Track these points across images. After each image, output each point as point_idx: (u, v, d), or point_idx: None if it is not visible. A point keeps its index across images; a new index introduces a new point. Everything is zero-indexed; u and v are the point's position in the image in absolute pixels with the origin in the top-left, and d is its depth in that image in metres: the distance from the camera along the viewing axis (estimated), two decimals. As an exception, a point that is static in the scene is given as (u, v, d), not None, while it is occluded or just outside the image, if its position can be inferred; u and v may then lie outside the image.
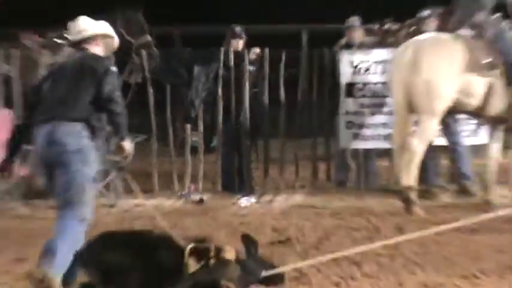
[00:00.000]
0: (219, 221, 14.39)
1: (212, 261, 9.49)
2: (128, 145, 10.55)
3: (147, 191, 17.47)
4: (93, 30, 11.41)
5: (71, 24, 11.45)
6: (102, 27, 11.57)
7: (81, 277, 9.64)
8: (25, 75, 18.07)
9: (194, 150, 18.64)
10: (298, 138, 19.29)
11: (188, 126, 18.53)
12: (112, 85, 10.53)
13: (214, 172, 18.42)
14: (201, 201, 16.57)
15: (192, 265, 9.32)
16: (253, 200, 17.00)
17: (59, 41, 17.71)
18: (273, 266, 9.81)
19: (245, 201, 16.80)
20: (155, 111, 18.77)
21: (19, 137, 11.81)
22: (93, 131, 10.25)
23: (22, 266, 11.21)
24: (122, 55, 16.45)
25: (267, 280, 9.57)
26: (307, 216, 14.70)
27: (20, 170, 16.17)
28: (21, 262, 11.60)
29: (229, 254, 9.53)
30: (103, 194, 16.97)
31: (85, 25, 11.42)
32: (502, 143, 16.15)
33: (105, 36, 11.47)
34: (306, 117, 18.95)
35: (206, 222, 14.31)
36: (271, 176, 18.87)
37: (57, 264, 9.80)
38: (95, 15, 15.07)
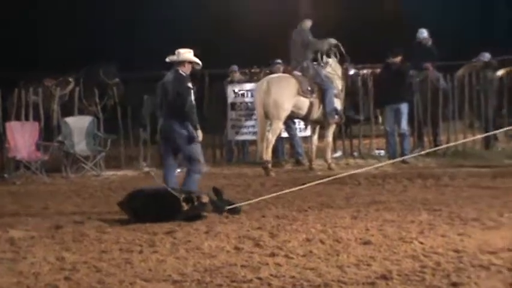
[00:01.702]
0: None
1: (196, 203, 11.83)
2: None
3: (117, 166, 19.74)
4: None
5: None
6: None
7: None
8: (46, 102, 19.57)
9: (145, 142, 20.28)
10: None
11: (141, 128, 20.23)
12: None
13: (157, 155, 19.04)
14: (150, 171, 17.87)
15: (185, 206, 11.70)
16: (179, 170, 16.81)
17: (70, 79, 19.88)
18: (231, 203, 12.28)
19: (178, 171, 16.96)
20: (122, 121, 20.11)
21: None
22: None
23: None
24: (102, 90, 19.90)
25: (230, 211, 12.09)
26: (212, 178, 15.97)
27: (44, 155, 18.47)
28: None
29: (205, 199, 12.05)
30: (92, 168, 18.81)
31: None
32: (318, 134, 18.63)
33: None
34: (209, 121, 19.77)
35: (154, 183, 14.80)
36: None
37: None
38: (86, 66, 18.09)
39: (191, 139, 13.26)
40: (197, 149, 13.39)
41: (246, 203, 12.43)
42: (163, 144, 13.80)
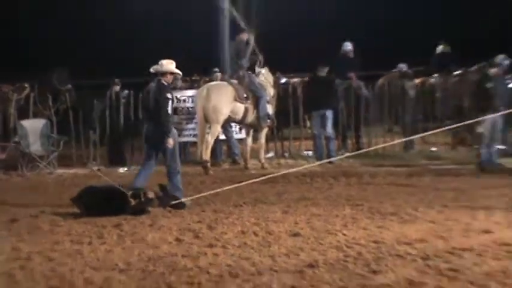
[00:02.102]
0: (111, 179, 14.17)
1: (142, 199, 11.82)
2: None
3: (69, 165, 19.54)
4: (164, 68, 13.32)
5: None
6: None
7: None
8: (3, 106, 19.71)
9: (94, 143, 20.30)
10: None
11: (91, 131, 20.17)
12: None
13: (105, 155, 20.12)
14: (98, 170, 17.65)
15: (132, 201, 11.71)
16: (126, 169, 18.89)
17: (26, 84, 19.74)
18: (177, 198, 12.29)
19: (121, 170, 18.74)
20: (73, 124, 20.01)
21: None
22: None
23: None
24: (55, 95, 19.74)
25: (174, 206, 12.12)
26: (157, 176, 14.44)
27: (1, 155, 18.64)
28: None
29: (151, 194, 12.05)
30: (46, 166, 18.69)
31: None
32: (252, 136, 18.57)
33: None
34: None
35: (103, 180, 14.31)
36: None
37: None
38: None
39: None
40: (174, 152, 13.30)
41: (188, 198, 12.39)
42: (145, 146, 13.72)
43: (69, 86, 20.38)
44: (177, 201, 12.25)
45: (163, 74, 13.46)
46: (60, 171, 18.74)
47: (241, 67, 18.36)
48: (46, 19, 29.71)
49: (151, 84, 13.61)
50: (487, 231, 9.44)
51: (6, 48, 27.56)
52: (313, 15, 28.26)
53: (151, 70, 13.55)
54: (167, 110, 13.21)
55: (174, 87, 19.81)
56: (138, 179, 13.46)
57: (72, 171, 18.78)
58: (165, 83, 13.44)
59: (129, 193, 11.90)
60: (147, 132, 13.56)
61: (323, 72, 19.52)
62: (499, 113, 15.63)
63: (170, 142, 13.08)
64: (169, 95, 13.34)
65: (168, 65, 13.48)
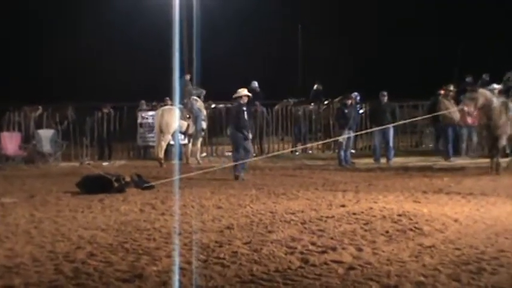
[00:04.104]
0: (97, 170, 14.20)
1: (122, 182, 11.57)
2: None
3: (69, 160, 18.85)
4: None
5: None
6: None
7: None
8: (25, 121, 19.14)
9: (86, 146, 19.84)
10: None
11: (84, 138, 19.73)
12: None
13: (94, 153, 19.68)
14: (88, 164, 17.70)
15: (115, 184, 11.38)
16: (107, 163, 18.10)
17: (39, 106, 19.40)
18: (148, 182, 12.10)
19: (105, 163, 17.89)
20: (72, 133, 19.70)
21: None
22: None
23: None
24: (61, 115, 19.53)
25: (146, 187, 11.80)
26: (130, 167, 15.91)
27: (23, 153, 18.37)
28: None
29: (128, 179, 11.85)
30: (54, 161, 18.41)
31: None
32: (191, 142, 18.09)
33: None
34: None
35: (93, 171, 14.05)
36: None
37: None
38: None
39: (246, 138, 13.83)
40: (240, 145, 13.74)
41: (154, 183, 12.11)
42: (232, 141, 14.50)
43: (70, 108, 20.05)
44: (148, 185, 11.95)
45: (240, 97, 13.94)
46: (63, 164, 18.25)
47: (186, 97, 18.07)
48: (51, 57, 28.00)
49: (235, 104, 14.55)
50: (343, 205, 9.50)
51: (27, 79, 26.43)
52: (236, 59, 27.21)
53: (234, 96, 14.23)
54: (244, 119, 13.74)
55: (140, 109, 19.96)
56: (237, 166, 13.75)
57: (71, 164, 18.29)
58: (242, 102, 13.93)
59: (113, 178, 11.61)
60: (231, 134, 14.30)
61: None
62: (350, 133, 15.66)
63: (249, 136, 13.89)
64: (244, 109, 13.89)
65: (242, 91, 14.02)
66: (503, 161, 13.91)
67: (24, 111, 19.62)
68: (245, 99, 14.09)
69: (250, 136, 14.28)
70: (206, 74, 19.51)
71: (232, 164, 14.35)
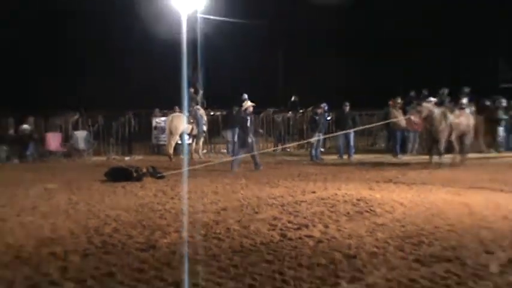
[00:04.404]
0: (121, 163, 15.22)
1: (140, 173, 11.53)
2: None
3: (99, 155, 18.58)
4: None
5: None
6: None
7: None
8: (65, 124, 19.17)
9: (113, 144, 19.57)
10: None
11: (111, 138, 19.49)
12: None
13: (118, 150, 19.29)
14: (114, 158, 17.73)
15: (134, 174, 11.36)
16: (128, 157, 17.91)
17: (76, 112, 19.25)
18: (161, 173, 11.98)
19: (126, 158, 17.80)
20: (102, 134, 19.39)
21: None
22: None
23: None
24: (94, 119, 19.18)
25: (159, 177, 11.69)
26: (146, 161, 15.68)
27: (63, 149, 18.19)
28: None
29: (144, 170, 11.76)
30: (87, 156, 18.31)
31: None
32: (195, 142, 17.91)
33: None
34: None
35: (118, 164, 14.82)
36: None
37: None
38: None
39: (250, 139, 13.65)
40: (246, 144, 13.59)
41: (165, 174, 12.02)
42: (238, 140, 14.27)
43: (100, 116, 19.78)
44: (160, 175, 11.86)
45: (246, 108, 13.86)
46: (94, 158, 18.08)
47: (192, 105, 17.90)
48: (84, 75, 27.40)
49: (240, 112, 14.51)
50: (313, 192, 9.48)
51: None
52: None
53: (243, 107, 14.06)
54: (247, 125, 13.56)
55: (154, 115, 19.77)
56: (236, 161, 13.71)
57: (100, 158, 18.13)
58: (247, 112, 13.82)
59: (133, 170, 11.58)
60: (238, 134, 14.10)
61: (234, 110, 18.61)
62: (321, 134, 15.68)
63: (249, 140, 13.52)
64: (248, 117, 13.72)
65: (248, 104, 13.93)
66: (447, 157, 13.94)
67: (65, 117, 19.53)
68: (250, 109, 13.96)
69: (252, 139, 14.05)
70: (206, 88, 19.29)
71: (233, 158, 14.25)
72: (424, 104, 14.08)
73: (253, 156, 13.94)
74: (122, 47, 27.33)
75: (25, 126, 18.04)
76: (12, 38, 26.43)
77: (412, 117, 14.73)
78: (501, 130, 18.02)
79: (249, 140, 13.77)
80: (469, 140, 14.44)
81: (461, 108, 15.32)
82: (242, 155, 14.02)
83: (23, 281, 4.62)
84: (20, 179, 12.00)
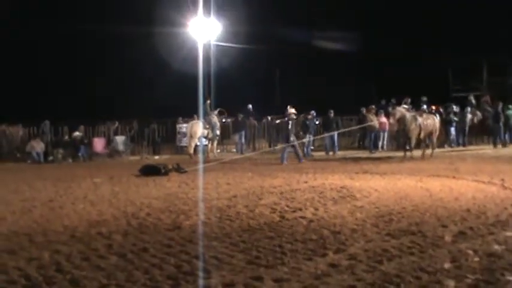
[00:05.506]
0: (151, 161, 15.28)
1: (167, 169, 11.40)
2: None
3: (135, 155, 18.35)
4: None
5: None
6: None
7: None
8: (108, 131, 18.99)
9: (144, 146, 19.38)
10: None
11: (144, 142, 19.36)
12: None
13: (149, 150, 18.98)
14: (146, 158, 17.17)
15: (162, 170, 11.22)
16: (157, 157, 17.65)
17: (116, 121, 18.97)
18: (183, 169, 11.69)
19: (156, 157, 17.42)
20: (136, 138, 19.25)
21: None
22: None
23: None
24: (130, 126, 18.97)
25: (182, 172, 11.46)
26: (173, 159, 15.21)
27: (107, 151, 18.14)
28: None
29: (170, 167, 11.64)
30: (125, 156, 18.07)
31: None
32: (210, 143, 17.39)
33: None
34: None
35: (149, 161, 14.93)
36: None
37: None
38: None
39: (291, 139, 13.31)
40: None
41: (186, 170, 11.81)
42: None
43: (135, 122, 19.59)
44: (183, 170, 11.65)
45: (289, 114, 13.54)
46: (131, 158, 17.92)
47: (208, 114, 17.43)
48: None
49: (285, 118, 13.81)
50: (306, 182, 9.38)
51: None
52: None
53: (287, 113, 13.63)
54: (288, 128, 13.32)
55: (178, 123, 19.53)
56: (284, 156, 13.40)
57: (135, 158, 17.90)
58: (290, 117, 13.47)
59: (161, 166, 11.46)
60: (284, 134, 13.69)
61: (240, 117, 18.75)
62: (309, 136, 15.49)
63: (291, 138, 13.19)
64: (290, 121, 13.35)
65: (291, 110, 13.61)
66: (428, 152, 13.88)
67: (107, 124, 19.42)
68: (293, 116, 13.62)
69: (292, 138, 13.71)
70: (218, 100, 19.18)
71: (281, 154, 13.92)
72: (398, 108, 14.04)
73: (295, 152, 13.73)
74: (151, 75, 26.64)
75: (77, 133, 18.14)
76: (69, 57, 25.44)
77: (385, 120, 14.81)
78: (452, 130, 17.91)
79: (291, 139, 13.50)
80: (435, 138, 14.38)
81: (431, 112, 15.39)
82: (288, 150, 13.77)
83: (77, 255, 4.63)
84: (73, 175, 11.92)
